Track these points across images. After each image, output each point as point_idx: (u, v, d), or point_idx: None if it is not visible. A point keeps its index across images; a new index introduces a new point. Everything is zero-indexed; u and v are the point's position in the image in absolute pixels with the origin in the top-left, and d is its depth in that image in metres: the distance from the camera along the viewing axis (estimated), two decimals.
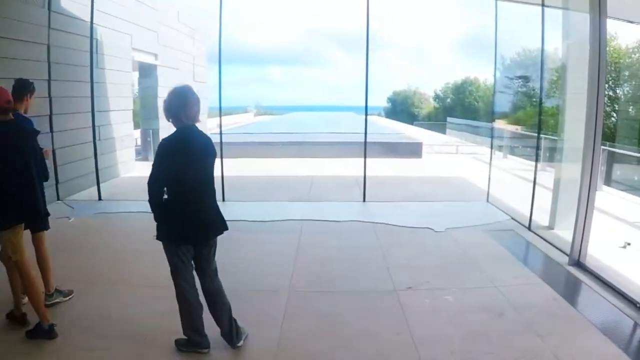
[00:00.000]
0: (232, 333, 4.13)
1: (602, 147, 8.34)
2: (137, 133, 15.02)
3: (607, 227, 7.58)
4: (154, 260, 4.63)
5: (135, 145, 14.01)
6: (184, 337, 4.09)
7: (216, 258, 4.21)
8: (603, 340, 4.38)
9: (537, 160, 7.98)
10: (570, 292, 5.55)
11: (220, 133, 9.94)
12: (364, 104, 10.23)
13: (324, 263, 6.25)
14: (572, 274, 5.96)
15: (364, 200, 9.56)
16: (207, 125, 15.18)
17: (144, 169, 12.38)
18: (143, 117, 14.71)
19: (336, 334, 4.52)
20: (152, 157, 14.60)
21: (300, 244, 7.00)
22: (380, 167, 12.80)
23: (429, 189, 10.90)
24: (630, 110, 19.00)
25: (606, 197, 9.91)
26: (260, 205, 9.13)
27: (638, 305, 4.98)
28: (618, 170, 12.07)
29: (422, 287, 5.54)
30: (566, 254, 6.47)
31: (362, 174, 9.78)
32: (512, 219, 8.35)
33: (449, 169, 14.25)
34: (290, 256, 6.46)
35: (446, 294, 5.34)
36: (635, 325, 4.71)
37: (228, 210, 8.85)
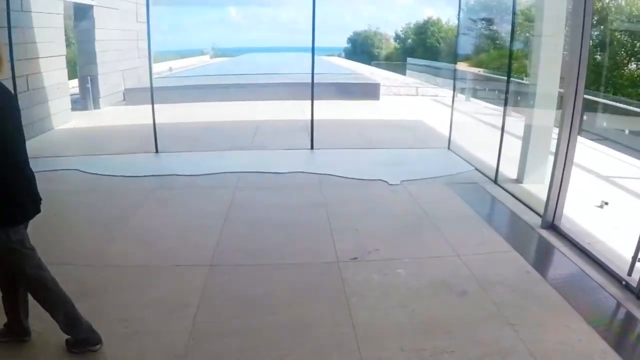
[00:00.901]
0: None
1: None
2: (76, 82, 13.68)
3: (579, 182, 6.70)
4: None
5: (73, 94, 12.81)
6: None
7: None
8: (587, 330, 3.53)
9: (505, 105, 6.94)
10: (544, 263, 4.69)
11: (150, 76, 8.53)
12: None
13: (257, 227, 5.23)
14: (545, 239, 5.09)
15: (312, 148, 8.46)
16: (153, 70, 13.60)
17: (83, 119, 10.44)
18: (80, 63, 13.10)
19: (260, 325, 3.54)
20: (92, 105, 13.28)
21: (233, 202, 5.94)
22: (333, 110, 11.68)
23: (384, 135, 9.86)
24: (596, 56, 18.31)
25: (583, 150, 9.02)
26: (197, 157, 7.96)
27: (624, 282, 4.12)
28: (585, 117, 11.26)
29: (370, 257, 4.57)
30: (538, 214, 5.64)
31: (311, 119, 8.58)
32: (476, 169, 7.44)
33: (408, 112, 13.17)
34: (219, 219, 5.41)
35: (398, 267, 4.39)
36: (622, 309, 3.85)
37: (160, 163, 7.67)
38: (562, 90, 5.55)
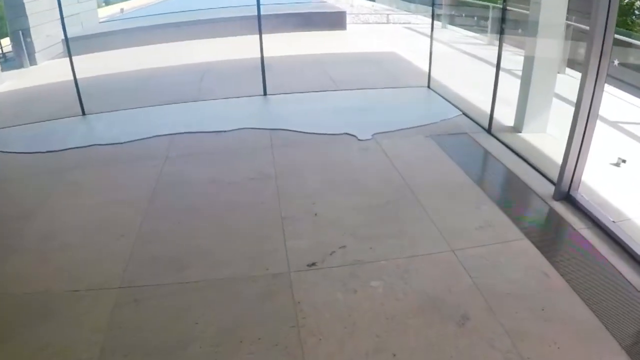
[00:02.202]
0: None
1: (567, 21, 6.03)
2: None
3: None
4: None
5: (4, 52, 11.67)
6: None
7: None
8: None
9: (502, 33, 5.54)
10: (566, 259, 3.46)
11: (63, 22, 6.78)
12: None
13: (184, 220, 3.91)
14: (562, 218, 3.90)
15: (265, 94, 6.96)
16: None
17: (16, 80, 8.32)
18: (9, 17, 11.31)
19: None
20: (27, 63, 11.10)
21: (159, 181, 4.57)
22: (293, 45, 10.08)
23: (352, 72, 8.36)
24: None
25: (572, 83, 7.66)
26: (128, 116, 6.41)
27: None
28: (581, 50, 9.87)
29: (334, 260, 3.32)
30: (545, 177, 4.50)
31: (265, 60, 7.05)
32: (464, 114, 6.11)
33: (379, 43, 11.51)
34: (138, 210, 4.07)
35: (372, 276, 3.14)
36: None
37: (83, 130, 6.03)
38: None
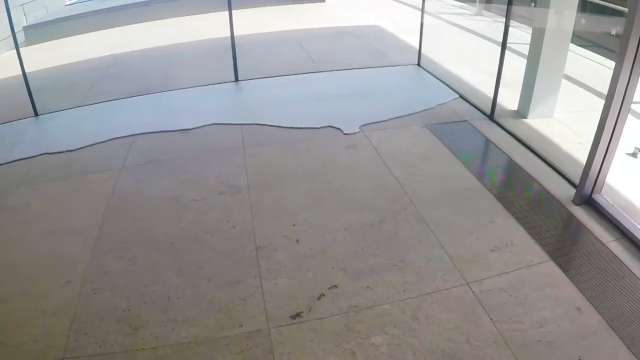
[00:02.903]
0: None
1: None
2: None
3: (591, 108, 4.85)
4: None
5: None
6: None
7: None
8: None
9: (509, 4, 4.82)
10: (599, 286, 2.86)
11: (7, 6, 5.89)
12: None
13: (138, 257, 3.20)
14: (587, 228, 3.33)
15: (237, 79, 6.18)
16: None
17: None
18: None
19: None
20: None
21: (111, 202, 3.81)
22: (267, 21, 9.23)
23: (333, 49, 7.60)
24: None
25: (577, 60, 6.98)
26: (84, 114, 5.55)
27: None
28: (583, 20, 9.18)
29: (324, 308, 2.69)
30: (564, 177, 3.91)
31: (236, 39, 6.24)
32: (461, 97, 5.41)
33: (360, 15, 10.62)
34: (86, 243, 3.33)
35: (373, 328, 2.50)
36: None
37: (36, 133, 5.11)
38: None
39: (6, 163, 4.53)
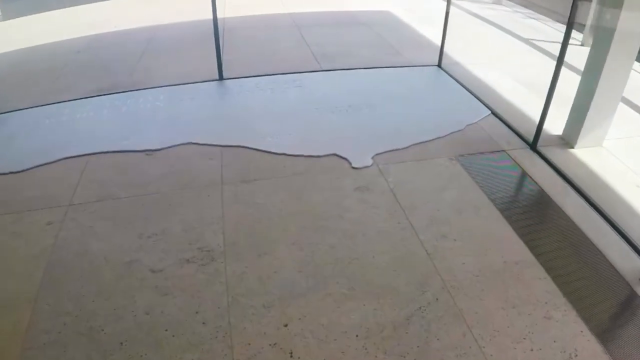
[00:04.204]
0: None
1: None
2: None
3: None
4: None
5: None
6: None
7: None
8: None
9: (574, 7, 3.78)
10: None
11: None
12: None
13: (78, 356, 2.26)
14: None
15: (221, 78, 5.12)
16: None
17: None
18: None
19: None
20: None
21: (51, 261, 2.87)
22: (261, 3, 8.05)
23: (338, 41, 6.51)
24: None
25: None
26: (39, 118, 4.53)
27: None
28: None
29: None
30: (625, 238, 3.01)
31: (223, 22, 5.15)
32: (494, 114, 4.40)
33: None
34: (16, 326, 2.46)
35: None
36: None
37: None
38: None
39: None
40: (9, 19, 8.82)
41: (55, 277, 2.74)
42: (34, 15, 8.43)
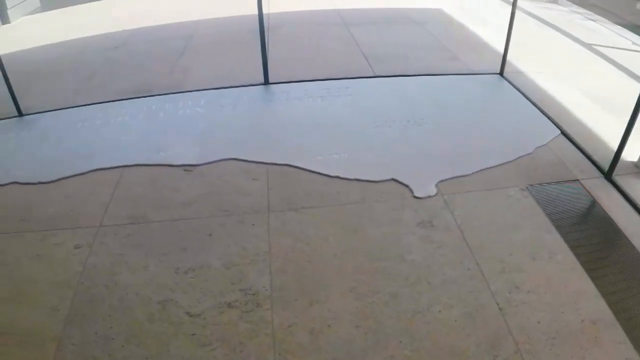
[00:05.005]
0: None
1: None
2: None
3: None
4: None
5: None
6: None
7: None
8: None
9: None
10: None
11: None
12: None
13: None
14: None
15: (266, 82, 4.76)
16: None
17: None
18: None
19: None
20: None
21: (79, 290, 2.64)
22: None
23: (390, 42, 6.11)
24: None
25: None
26: (73, 121, 4.29)
27: None
28: None
29: None
30: None
31: (268, 18, 4.83)
32: (564, 134, 3.95)
33: None
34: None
35: None
36: None
37: (13, 145, 3.95)
38: None
39: None
40: (48, 10, 8.64)
41: (82, 312, 2.47)
42: (73, 6, 8.22)
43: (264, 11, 4.59)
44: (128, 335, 2.34)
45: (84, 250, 2.84)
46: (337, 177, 3.41)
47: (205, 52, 5.72)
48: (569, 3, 8.51)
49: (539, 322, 2.41)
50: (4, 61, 4.29)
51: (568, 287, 2.62)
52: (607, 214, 3.16)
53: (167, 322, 2.39)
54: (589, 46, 6.20)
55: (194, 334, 2.33)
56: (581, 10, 7.99)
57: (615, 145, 3.49)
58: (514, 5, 4.84)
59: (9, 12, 8.35)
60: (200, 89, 4.69)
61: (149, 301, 2.50)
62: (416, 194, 3.25)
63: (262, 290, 2.54)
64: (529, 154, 3.78)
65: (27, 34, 7.13)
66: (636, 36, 6.54)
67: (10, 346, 2.31)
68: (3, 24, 8.22)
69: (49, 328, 2.39)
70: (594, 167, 3.66)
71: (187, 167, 3.49)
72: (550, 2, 8.57)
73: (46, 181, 3.49)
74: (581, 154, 3.82)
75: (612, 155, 3.50)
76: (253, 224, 2.97)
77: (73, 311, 2.47)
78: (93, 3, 8.28)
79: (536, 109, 4.45)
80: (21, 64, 5.24)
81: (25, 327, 2.41)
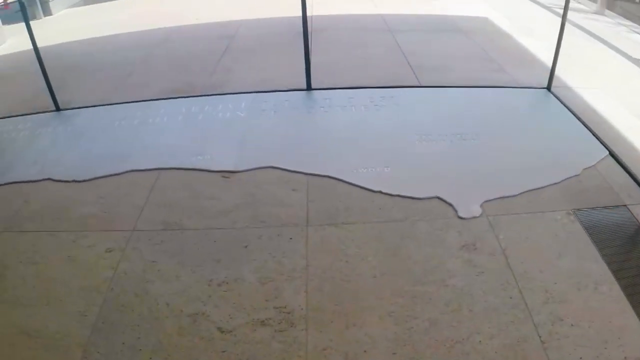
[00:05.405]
0: None
1: None
2: None
3: None
4: None
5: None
6: None
7: None
8: None
9: None
10: None
11: None
12: None
13: None
14: None
15: (309, 88, 4.68)
16: None
17: (22, 37, 4.83)
18: None
19: None
20: (41, 13, 7.18)
21: (109, 297, 2.62)
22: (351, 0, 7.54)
23: (435, 50, 5.98)
24: None
25: None
26: (109, 118, 4.34)
27: None
28: None
29: None
30: None
31: (312, 21, 4.79)
32: (612, 155, 3.77)
33: (464, 3, 8.56)
34: None
35: None
36: None
37: (48, 140, 3.94)
38: None
39: (4, 184, 3.49)
40: (90, 4, 8.72)
41: (110, 320, 2.43)
42: (116, 0, 8.29)
43: (308, 13, 4.51)
44: (156, 347, 2.29)
45: (116, 255, 2.80)
46: (380, 192, 3.31)
47: (247, 54, 5.68)
48: (614, 14, 8.24)
49: (581, 358, 2.27)
50: (43, 54, 4.31)
51: (612, 321, 2.48)
52: None
53: (198, 337, 2.33)
54: (636, 61, 5.97)
55: (224, 351, 2.26)
56: (627, 22, 7.73)
57: None
58: (564, 17, 4.66)
59: (51, 4, 8.49)
60: (241, 91, 4.64)
61: (179, 313, 2.44)
62: (460, 214, 3.13)
63: (297, 309, 2.45)
64: (576, 175, 3.62)
65: (68, 27, 7.21)
66: None
67: (36, 350, 2.29)
68: (45, 16, 8.35)
69: (75, 334, 2.37)
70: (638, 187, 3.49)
71: (224, 173, 3.43)
72: (596, 13, 8.31)
73: (80, 180, 3.49)
74: (629, 178, 3.64)
75: None
76: (291, 238, 2.90)
77: (101, 318, 2.43)
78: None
79: (584, 127, 4.27)
80: (60, 57, 5.29)
81: (52, 330, 2.39)
